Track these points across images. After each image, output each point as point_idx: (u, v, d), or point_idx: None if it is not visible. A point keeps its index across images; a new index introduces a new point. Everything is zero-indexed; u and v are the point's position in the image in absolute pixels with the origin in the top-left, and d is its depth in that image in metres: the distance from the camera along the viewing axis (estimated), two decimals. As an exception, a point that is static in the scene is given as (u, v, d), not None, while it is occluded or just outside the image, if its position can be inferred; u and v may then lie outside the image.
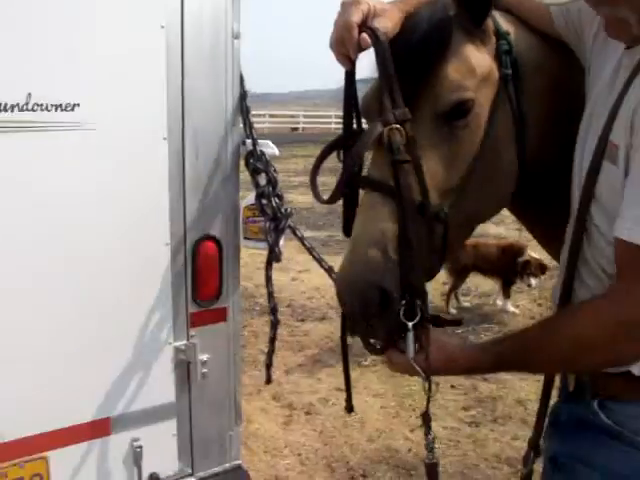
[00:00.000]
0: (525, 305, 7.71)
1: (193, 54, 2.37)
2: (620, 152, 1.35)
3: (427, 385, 1.47)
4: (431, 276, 1.54)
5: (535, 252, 7.17)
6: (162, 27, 2.27)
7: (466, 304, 7.72)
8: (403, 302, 1.39)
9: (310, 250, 2.56)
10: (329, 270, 2.48)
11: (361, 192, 1.57)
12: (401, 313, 1.39)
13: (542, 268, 7.16)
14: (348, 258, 1.43)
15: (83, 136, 2.17)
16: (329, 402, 5.14)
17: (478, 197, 1.52)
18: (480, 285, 8.11)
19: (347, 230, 1.64)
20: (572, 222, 1.56)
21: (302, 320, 7.06)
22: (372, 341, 1.51)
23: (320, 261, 2.54)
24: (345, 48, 1.46)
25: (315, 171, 1.66)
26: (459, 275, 7.35)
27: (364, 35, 1.41)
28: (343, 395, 5.36)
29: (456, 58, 1.45)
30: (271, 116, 40.01)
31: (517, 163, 1.58)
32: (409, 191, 1.39)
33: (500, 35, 1.55)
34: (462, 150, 1.47)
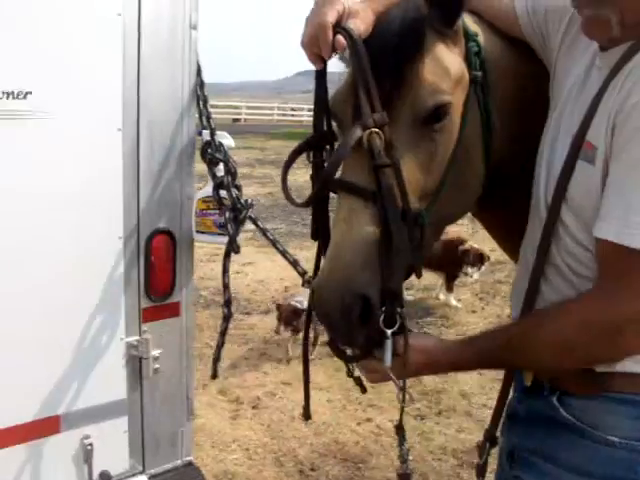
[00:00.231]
0: (467, 299, 7.85)
1: (150, 43, 2.31)
2: (599, 152, 1.37)
3: (402, 395, 1.48)
4: (406, 279, 1.54)
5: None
6: (119, 15, 2.20)
7: (409, 298, 7.79)
8: (383, 309, 1.38)
9: (274, 242, 2.52)
10: (294, 263, 2.45)
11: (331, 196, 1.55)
12: (381, 321, 1.38)
13: (481, 258, 7.35)
14: (330, 266, 1.40)
15: (35, 125, 2.09)
16: (276, 396, 5.13)
17: (451, 200, 1.52)
18: (423, 279, 8.20)
19: (315, 234, 1.62)
20: (537, 221, 1.58)
21: (247, 313, 7.02)
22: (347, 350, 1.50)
23: (284, 253, 2.50)
24: (318, 48, 1.44)
25: (286, 173, 1.63)
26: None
27: (339, 37, 1.40)
28: (289, 389, 5.38)
29: (430, 60, 1.43)
30: (212, 106, 39.42)
31: (484, 166, 1.60)
32: (392, 196, 1.37)
33: (469, 36, 1.54)
34: (438, 154, 1.46)
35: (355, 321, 1.36)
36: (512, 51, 1.67)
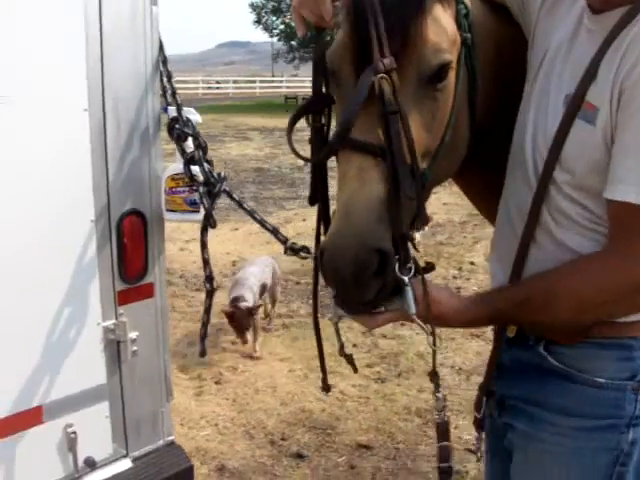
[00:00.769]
0: (412, 262, 7.98)
1: (112, 21, 2.25)
2: (600, 113, 1.41)
3: (432, 339, 1.48)
4: None
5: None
6: (79, -8, 2.14)
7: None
8: (397, 257, 1.37)
9: (251, 213, 2.49)
10: (274, 231, 2.43)
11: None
12: (397, 269, 1.37)
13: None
14: (341, 224, 1.36)
15: (-2, 110, 2.02)
16: (237, 370, 5.15)
17: (445, 161, 1.54)
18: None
19: (314, 198, 1.61)
20: (519, 181, 1.63)
21: (197, 290, 6.96)
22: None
23: (263, 223, 2.48)
24: (315, 6, 1.43)
25: (290, 135, 1.59)
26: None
27: None
28: (250, 362, 5.38)
29: (432, 20, 1.44)
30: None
31: (469, 127, 1.63)
32: (402, 147, 1.36)
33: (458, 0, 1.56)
34: (439, 113, 1.48)
35: (370, 275, 1.34)
36: (493, 15, 1.70)
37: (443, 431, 1.59)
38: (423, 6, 1.42)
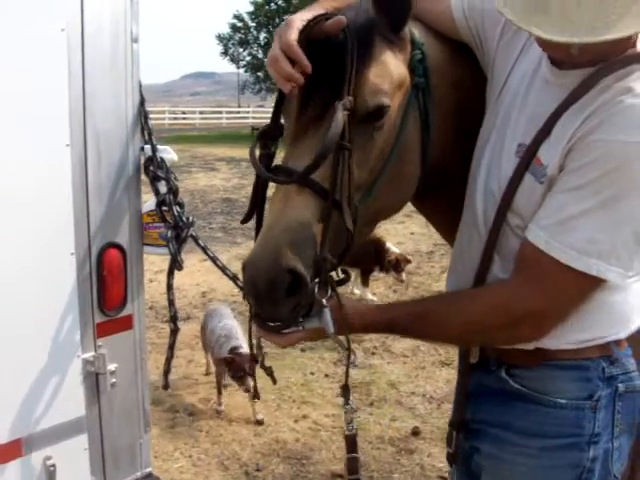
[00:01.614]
0: (381, 292, 8.06)
1: (94, 58, 2.31)
2: (547, 170, 1.49)
3: (346, 355, 1.53)
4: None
5: (393, 244, 7.54)
6: (62, 30, 2.19)
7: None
8: (316, 280, 1.43)
9: (213, 259, 2.59)
10: (234, 278, 2.52)
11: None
12: (316, 292, 1.43)
13: (407, 261, 7.62)
14: (262, 243, 1.43)
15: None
16: (210, 401, 5.14)
17: (384, 196, 1.59)
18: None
19: (249, 217, 1.63)
20: (470, 219, 1.72)
21: (167, 321, 6.89)
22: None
23: (224, 269, 2.57)
24: (283, 68, 1.46)
25: (253, 158, 1.57)
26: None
27: (332, 20, 1.45)
28: (224, 393, 5.30)
29: (377, 64, 1.51)
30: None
31: (420, 167, 1.68)
32: (344, 181, 1.44)
33: (415, 44, 1.62)
34: (375, 150, 1.54)
35: (282, 294, 1.39)
36: (451, 56, 1.75)
37: (351, 443, 1.64)
38: (370, 50, 1.50)
